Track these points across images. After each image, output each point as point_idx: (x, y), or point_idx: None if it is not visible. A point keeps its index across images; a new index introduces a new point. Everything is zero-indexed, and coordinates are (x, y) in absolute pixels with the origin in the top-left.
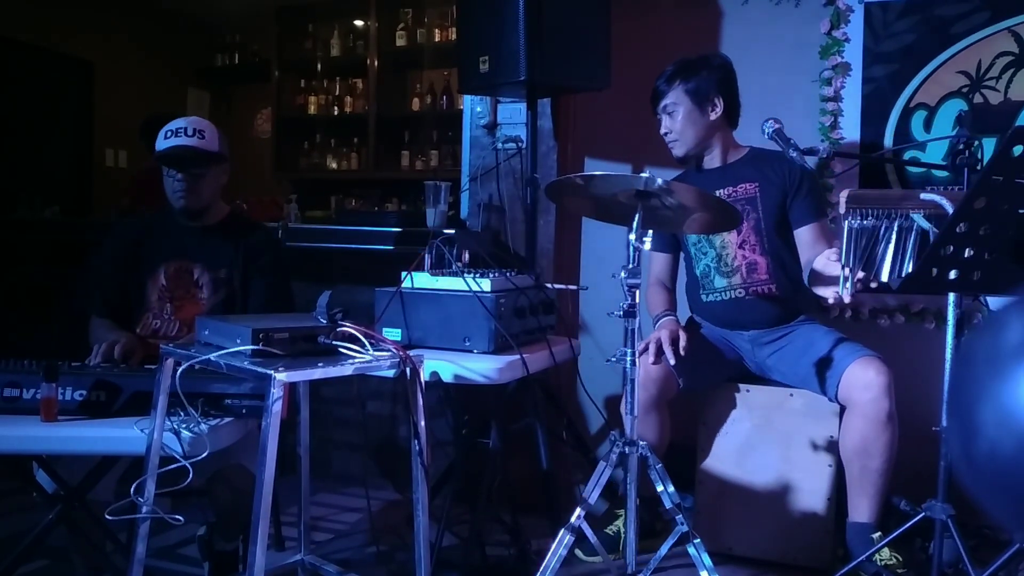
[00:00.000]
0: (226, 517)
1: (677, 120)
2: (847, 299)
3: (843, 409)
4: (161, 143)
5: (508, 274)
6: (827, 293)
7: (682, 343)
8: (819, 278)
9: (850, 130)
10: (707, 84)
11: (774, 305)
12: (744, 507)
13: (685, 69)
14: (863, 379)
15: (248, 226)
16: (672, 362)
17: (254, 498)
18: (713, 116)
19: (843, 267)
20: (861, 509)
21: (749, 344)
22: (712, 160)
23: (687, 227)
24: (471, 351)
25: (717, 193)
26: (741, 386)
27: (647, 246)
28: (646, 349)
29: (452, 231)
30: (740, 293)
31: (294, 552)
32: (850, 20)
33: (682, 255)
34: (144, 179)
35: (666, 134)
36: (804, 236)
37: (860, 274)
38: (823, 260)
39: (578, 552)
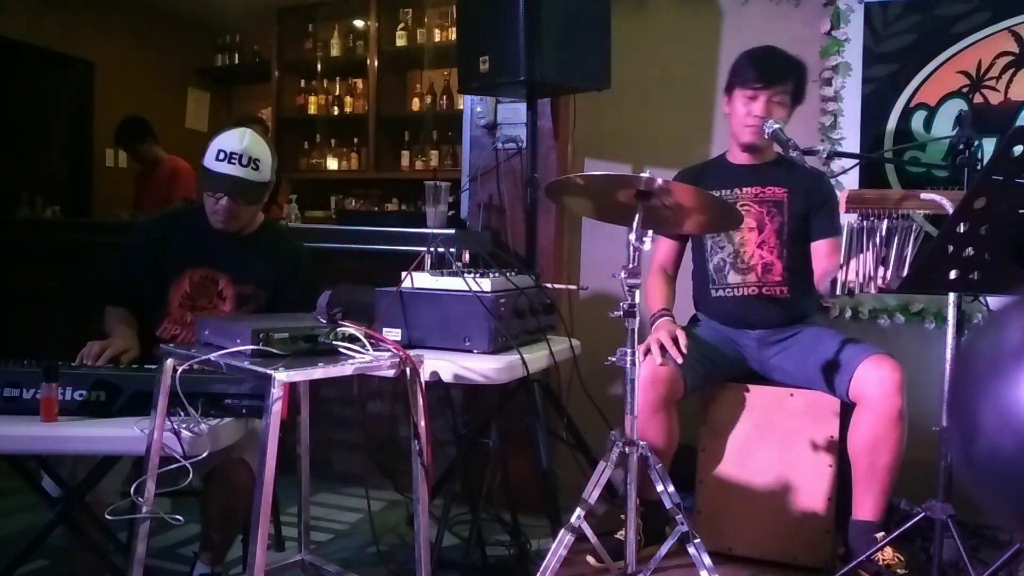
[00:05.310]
0: (214, 530)
1: (772, 113)
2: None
3: (844, 409)
4: (212, 163)
5: (508, 274)
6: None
7: (683, 342)
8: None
9: (850, 130)
10: (801, 92)
11: (784, 307)
12: (744, 507)
13: (796, 69)
14: (876, 375)
15: (282, 242)
16: (679, 361)
17: (254, 498)
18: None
19: (840, 266)
20: (867, 507)
21: (755, 343)
22: (745, 156)
23: (687, 227)
24: (471, 351)
25: (745, 190)
26: (742, 386)
27: (647, 246)
28: (648, 351)
29: (452, 231)
30: (753, 291)
31: (294, 552)
32: (850, 20)
33: (689, 245)
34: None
35: (757, 117)
36: (820, 249)
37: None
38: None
39: (590, 559)
